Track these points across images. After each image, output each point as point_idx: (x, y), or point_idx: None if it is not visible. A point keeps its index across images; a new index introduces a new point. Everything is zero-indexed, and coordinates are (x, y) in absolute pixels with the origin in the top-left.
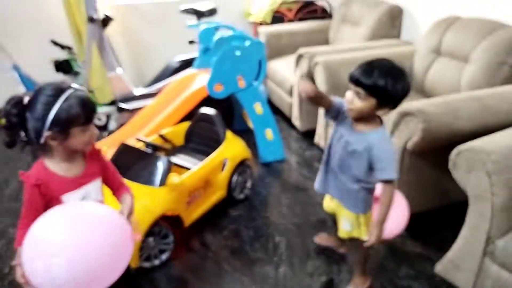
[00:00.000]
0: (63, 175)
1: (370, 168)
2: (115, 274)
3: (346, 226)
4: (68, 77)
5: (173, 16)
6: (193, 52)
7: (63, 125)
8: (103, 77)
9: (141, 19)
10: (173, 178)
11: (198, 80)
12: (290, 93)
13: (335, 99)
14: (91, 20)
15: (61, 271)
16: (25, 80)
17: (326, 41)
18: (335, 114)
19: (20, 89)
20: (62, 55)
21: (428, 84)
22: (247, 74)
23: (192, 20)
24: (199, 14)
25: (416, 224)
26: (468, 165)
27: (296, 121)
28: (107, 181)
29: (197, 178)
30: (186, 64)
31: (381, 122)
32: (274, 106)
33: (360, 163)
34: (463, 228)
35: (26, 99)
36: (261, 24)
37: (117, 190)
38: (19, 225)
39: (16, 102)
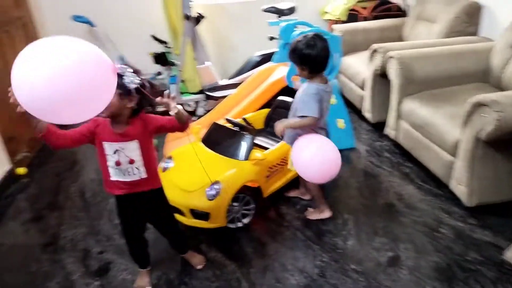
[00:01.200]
0: (111, 128)
1: None
2: (95, 103)
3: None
4: (165, 68)
5: (255, 15)
6: (273, 48)
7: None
8: (194, 69)
9: (227, 17)
10: (256, 153)
11: (277, 72)
12: (362, 86)
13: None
14: (186, 17)
15: (41, 87)
16: None
17: (399, 39)
18: None
19: None
20: (159, 48)
21: (506, 79)
22: None
23: (273, 18)
24: (280, 12)
25: (488, 213)
26: None
27: (367, 113)
28: (161, 129)
29: (276, 156)
30: (266, 58)
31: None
32: (346, 99)
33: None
34: None
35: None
36: (336, 22)
37: (169, 123)
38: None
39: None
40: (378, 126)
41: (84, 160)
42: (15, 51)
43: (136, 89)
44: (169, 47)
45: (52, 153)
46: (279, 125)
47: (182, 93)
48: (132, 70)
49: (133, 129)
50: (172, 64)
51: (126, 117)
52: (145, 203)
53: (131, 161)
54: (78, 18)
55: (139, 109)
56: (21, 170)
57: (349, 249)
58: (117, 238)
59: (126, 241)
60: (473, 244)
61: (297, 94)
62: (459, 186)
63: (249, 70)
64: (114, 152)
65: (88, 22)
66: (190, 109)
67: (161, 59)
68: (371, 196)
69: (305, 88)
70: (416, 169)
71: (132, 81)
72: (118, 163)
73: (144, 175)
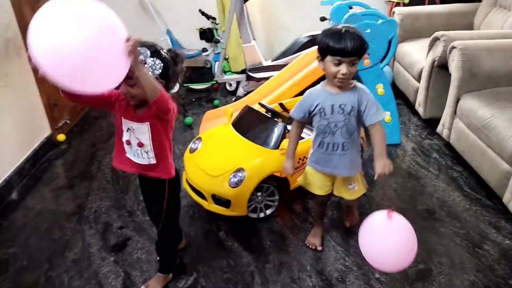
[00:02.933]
0: (130, 107)
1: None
2: (108, 68)
3: (354, 186)
4: (210, 44)
5: None
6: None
7: None
8: (239, 47)
9: None
10: (285, 143)
11: None
12: (419, 78)
13: (298, 119)
14: None
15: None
16: (175, 44)
17: (469, 27)
18: (307, 117)
19: None
20: (206, 24)
21: None
22: (374, 53)
23: None
24: None
25: None
26: None
27: (419, 107)
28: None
29: (307, 147)
30: (314, 40)
31: (353, 85)
32: (398, 89)
33: (356, 118)
34: None
35: None
36: (398, 3)
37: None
38: None
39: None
40: (430, 123)
41: None
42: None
43: (160, 74)
44: (217, 23)
45: (91, 123)
46: (388, 167)
47: (225, 72)
48: (150, 55)
49: (148, 111)
50: (217, 41)
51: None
52: (148, 189)
53: (140, 144)
54: None
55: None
56: (61, 137)
57: None
58: (139, 214)
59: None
60: None
61: (353, 97)
62: None
63: (295, 52)
64: (127, 130)
65: None
66: (231, 88)
67: (207, 35)
68: (410, 200)
69: (363, 88)
70: (466, 174)
71: (152, 70)
72: (128, 142)
73: (153, 161)
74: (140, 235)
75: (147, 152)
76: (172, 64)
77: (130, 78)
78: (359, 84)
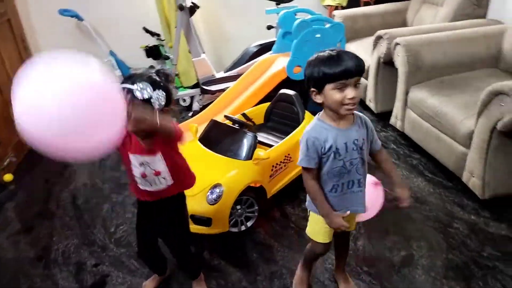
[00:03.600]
0: (137, 140)
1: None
2: (98, 130)
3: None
4: (157, 62)
5: (252, 2)
6: (271, 37)
7: None
8: (189, 61)
9: (222, 6)
10: (259, 152)
11: (277, 63)
12: (366, 75)
13: (311, 167)
14: (180, 8)
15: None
16: (121, 64)
17: (403, 23)
18: (319, 160)
19: (116, 73)
20: (150, 41)
21: None
22: None
23: (271, 5)
24: (278, 0)
25: (503, 206)
26: None
27: (370, 103)
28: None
29: (279, 153)
30: (264, 48)
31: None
32: None
33: (367, 150)
34: None
35: None
36: (336, 8)
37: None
38: None
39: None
40: (382, 116)
41: (75, 164)
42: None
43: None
44: (162, 40)
45: (39, 158)
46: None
47: (177, 87)
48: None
49: (156, 141)
50: (166, 58)
51: (152, 133)
52: (163, 206)
53: (157, 173)
54: (65, 12)
55: None
56: (8, 177)
57: (361, 250)
58: (113, 248)
59: (138, 245)
60: (488, 238)
61: (360, 127)
62: (472, 178)
63: (246, 62)
64: (140, 165)
65: (76, 15)
66: (185, 104)
67: (153, 52)
68: None
69: (360, 114)
70: (424, 160)
71: (159, 103)
72: (143, 175)
73: (170, 182)
74: (118, 269)
75: (164, 178)
76: (169, 88)
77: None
78: (354, 112)
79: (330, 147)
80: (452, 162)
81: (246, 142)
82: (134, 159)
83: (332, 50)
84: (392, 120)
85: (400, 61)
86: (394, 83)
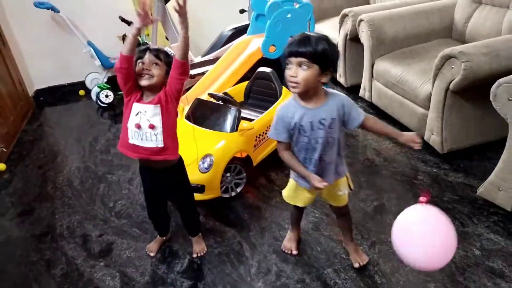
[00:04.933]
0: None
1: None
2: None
3: (344, 191)
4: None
5: None
6: (244, 21)
7: None
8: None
9: None
10: (243, 124)
11: (253, 44)
12: None
13: (285, 140)
14: None
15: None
16: (99, 54)
17: (366, 2)
18: (290, 136)
19: (96, 62)
20: (127, 30)
21: (469, 33)
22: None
23: None
24: None
25: (459, 158)
26: (508, 94)
27: (340, 78)
28: (172, 80)
29: (261, 125)
30: (238, 32)
31: (325, 92)
32: None
33: (338, 128)
34: (504, 152)
35: None
36: None
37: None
38: None
39: None
40: (352, 89)
41: (66, 150)
42: None
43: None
44: None
45: (29, 148)
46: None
47: None
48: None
49: (159, 95)
50: (145, 45)
51: (159, 88)
52: (163, 177)
53: (151, 126)
54: (40, 5)
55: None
56: (0, 167)
57: None
58: (114, 220)
59: (147, 207)
60: (448, 186)
61: (330, 108)
62: (433, 136)
63: (222, 45)
64: (136, 114)
65: (51, 7)
66: None
67: None
68: (352, 155)
69: (337, 94)
70: (391, 125)
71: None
72: (138, 126)
73: (161, 143)
74: (122, 237)
75: (156, 135)
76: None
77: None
78: (332, 91)
79: (295, 124)
80: (415, 123)
81: (231, 116)
82: (135, 108)
83: (304, 34)
84: (361, 92)
85: (365, 36)
86: (361, 57)
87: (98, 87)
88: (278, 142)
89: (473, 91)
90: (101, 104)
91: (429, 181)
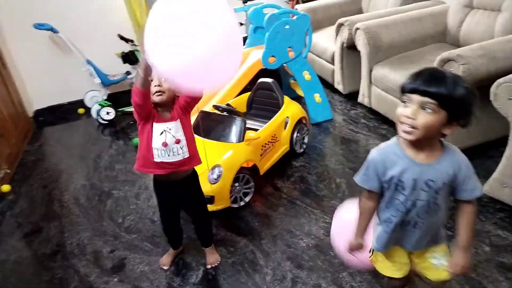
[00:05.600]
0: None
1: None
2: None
3: (441, 261)
4: (132, 67)
5: None
6: (241, 34)
7: None
8: None
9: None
10: (249, 134)
11: (252, 56)
12: (332, 60)
13: (373, 189)
14: None
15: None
16: (99, 72)
17: (359, 11)
18: (381, 187)
19: (96, 80)
20: (125, 47)
21: (463, 37)
22: (296, 45)
23: (238, 4)
24: None
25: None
26: (508, 94)
27: (338, 85)
28: (186, 99)
29: (267, 134)
30: None
31: (442, 145)
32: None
33: (446, 195)
34: (506, 150)
35: None
36: (297, 1)
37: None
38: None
39: None
40: (350, 96)
41: (69, 169)
42: None
43: None
44: (136, 45)
45: (33, 167)
46: (465, 267)
47: None
48: None
49: (175, 110)
50: None
51: (172, 102)
52: (181, 187)
53: (177, 141)
54: (40, 26)
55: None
56: (5, 188)
57: (315, 171)
58: (125, 235)
59: (162, 221)
60: None
61: (446, 169)
62: None
63: None
64: (161, 134)
65: (50, 28)
66: None
67: (129, 58)
68: (356, 160)
69: (458, 152)
70: (391, 129)
71: None
72: (165, 144)
73: (187, 154)
74: (134, 252)
75: (182, 148)
76: None
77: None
78: (451, 146)
79: (392, 178)
80: None
81: (236, 126)
82: (157, 128)
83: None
84: (360, 98)
85: (361, 43)
86: (358, 64)
87: (99, 104)
88: (365, 189)
89: None
90: (102, 121)
91: None
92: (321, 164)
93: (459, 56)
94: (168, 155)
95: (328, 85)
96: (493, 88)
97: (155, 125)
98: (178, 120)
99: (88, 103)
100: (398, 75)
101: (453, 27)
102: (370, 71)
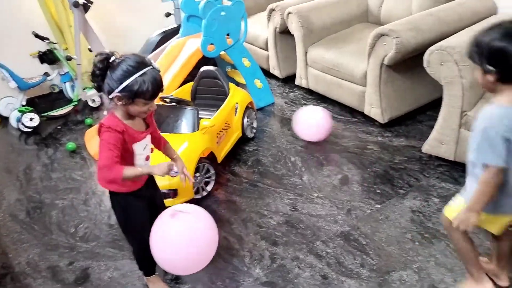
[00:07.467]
0: (133, 128)
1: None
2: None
3: None
4: (54, 66)
5: None
6: (171, 24)
7: (131, 93)
8: (90, 60)
9: (111, 1)
10: (204, 122)
11: (189, 45)
12: (266, 46)
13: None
14: (75, 5)
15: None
16: (14, 76)
17: None
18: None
19: (11, 85)
20: (41, 47)
21: (384, 15)
22: (233, 32)
23: None
24: None
25: (398, 125)
26: (439, 60)
27: (274, 70)
28: (154, 137)
29: (221, 121)
30: (167, 35)
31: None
32: None
33: None
34: (441, 110)
35: (112, 59)
36: None
37: (160, 143)
38: (107, 165)
39: (103, 58)
40: (288, 80)
41: None
42: None
43: None
44: (54, 43)
45: None
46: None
47: (83, 89)
48: None
49: (150, 122)
50: (69, 58)
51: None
52: (154, 192)
53: (152, 150)
54: None
55: None
56: None
57: (307, 182)
58: (82, 244)
59: (144, 240)
60: (395, 150)
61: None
62: (373, 109)
63: (151, 51)
64: (144, 149)
65: None
66: (94, 104)
67: (48, 57)
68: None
69: (486, 115)
70: (331, 107)
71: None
72: (147, 158)
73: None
74: (96, 260)
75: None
76: None
77: None
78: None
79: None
80: (355, 101)
81: (189, 116)
82: (139, 147)
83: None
84: (297, 81)
85: (295, 27)
86: (292, 48)
87: (19, 111)
88: (492, 168)
89: (403, 64)
90: (25, 129)
91: (378, 149)
92: (273, 146)
93: (391, 31)
94: (147, 165)
95: (264, 71)
96: (426, 56)
97: (135, 145)
98: (150, 134)
99: (3, 111)
100: (333, 55)
101: (374, 7)
102: (305, 53)
